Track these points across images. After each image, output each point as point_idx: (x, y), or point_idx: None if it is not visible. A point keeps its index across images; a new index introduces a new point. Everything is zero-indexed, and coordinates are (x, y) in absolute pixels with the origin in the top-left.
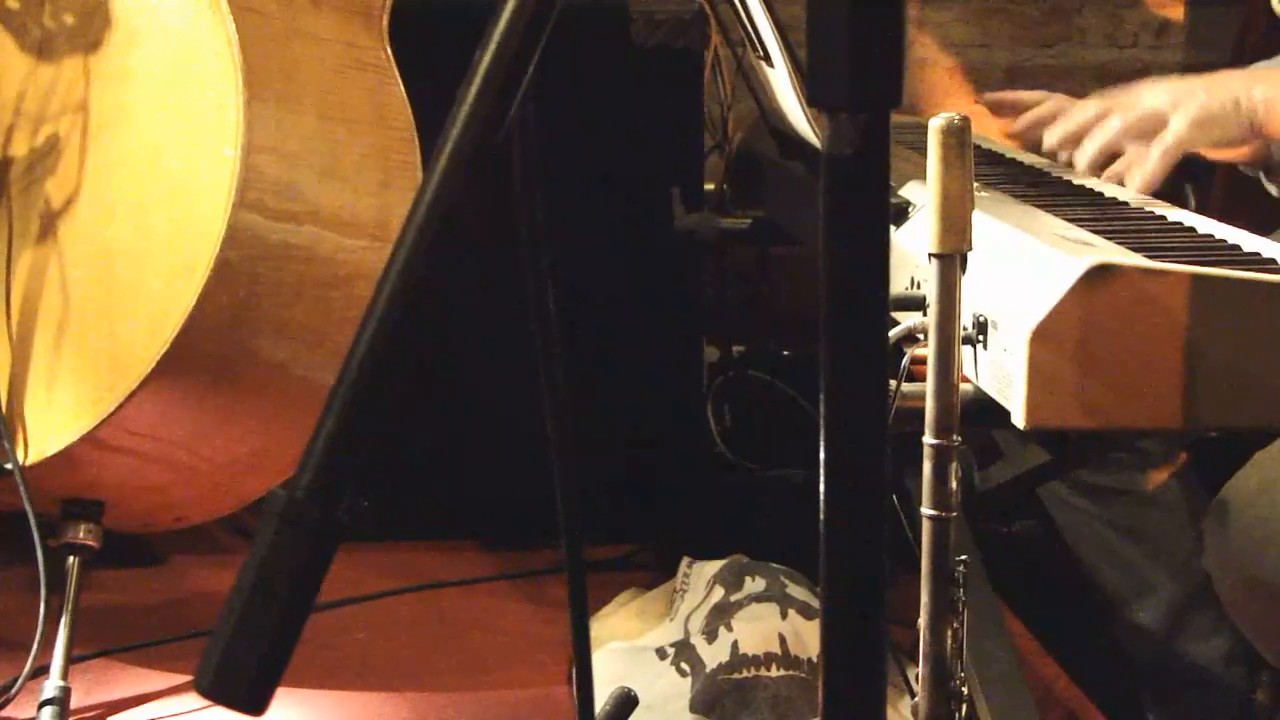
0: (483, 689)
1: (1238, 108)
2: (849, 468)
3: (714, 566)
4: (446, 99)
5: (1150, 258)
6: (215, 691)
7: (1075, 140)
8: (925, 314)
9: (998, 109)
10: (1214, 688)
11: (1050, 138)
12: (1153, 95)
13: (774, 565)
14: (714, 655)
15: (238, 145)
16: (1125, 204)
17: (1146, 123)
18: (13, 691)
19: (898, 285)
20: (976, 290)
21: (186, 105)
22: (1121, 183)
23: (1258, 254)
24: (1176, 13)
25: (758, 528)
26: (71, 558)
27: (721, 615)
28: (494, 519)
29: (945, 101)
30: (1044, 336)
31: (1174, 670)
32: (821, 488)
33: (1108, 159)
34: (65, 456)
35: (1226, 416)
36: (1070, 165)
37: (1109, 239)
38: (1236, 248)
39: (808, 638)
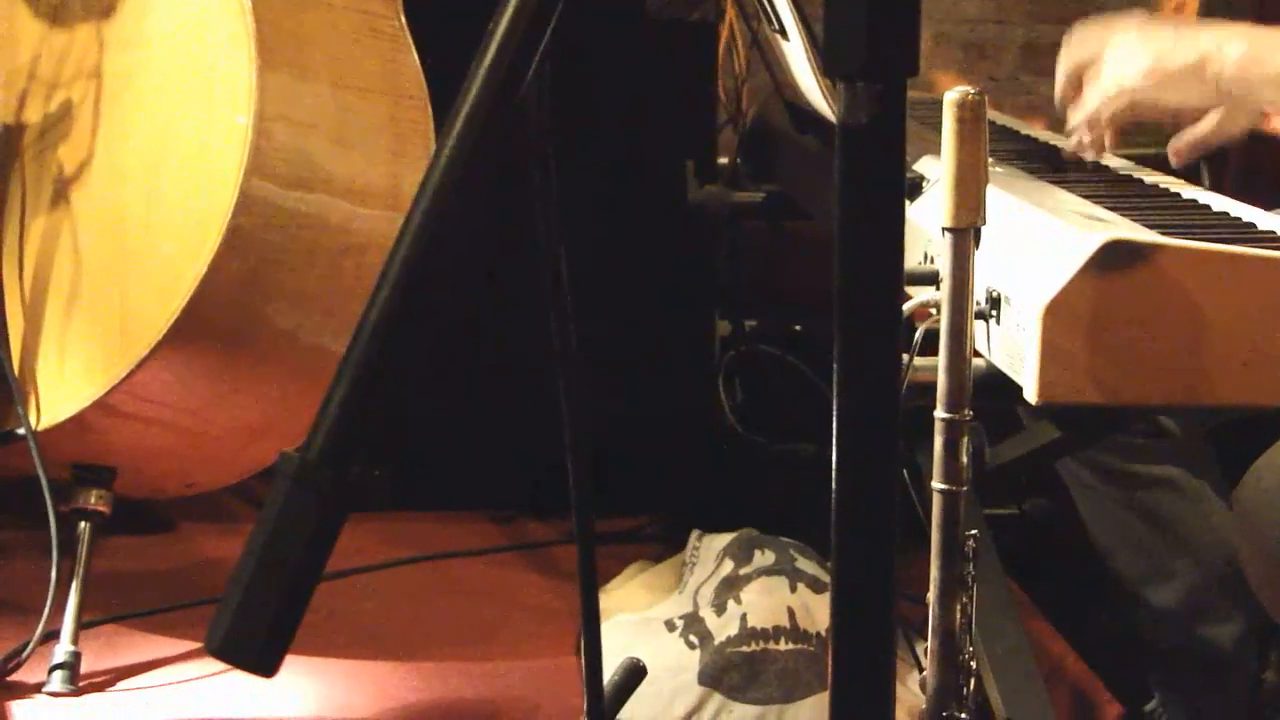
0: (492, 659)
1: (1202, 69)
2: (860, 442)
3: (724, 540)
4: (460, 67)
5: (1164, 234)
6: (226, 652)
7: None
8: (938, 289)
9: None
10: (1226, 670)
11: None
12: (1114, 53)
13: (784, 539)
14: (723, 628)
15: (250, 113)
16: (1139, 180)
17: (1094, 64)
18: (23, 656)
19: (911, 260)
20: (990, 265)
21: (199, 72)
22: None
23: (1272, 232)
24: None
25: (768, 501)
26: (83, 523)
27: (731, 588)
28: (505, 490)
29: (960, 78)
30: (1057, 312)
31: (1186, 653)
32: (833, 462)
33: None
34: (77, 422)
35: (1239, 394)
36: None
37: (1123, 215)
38: (1251, 225)
39: (817, 612)
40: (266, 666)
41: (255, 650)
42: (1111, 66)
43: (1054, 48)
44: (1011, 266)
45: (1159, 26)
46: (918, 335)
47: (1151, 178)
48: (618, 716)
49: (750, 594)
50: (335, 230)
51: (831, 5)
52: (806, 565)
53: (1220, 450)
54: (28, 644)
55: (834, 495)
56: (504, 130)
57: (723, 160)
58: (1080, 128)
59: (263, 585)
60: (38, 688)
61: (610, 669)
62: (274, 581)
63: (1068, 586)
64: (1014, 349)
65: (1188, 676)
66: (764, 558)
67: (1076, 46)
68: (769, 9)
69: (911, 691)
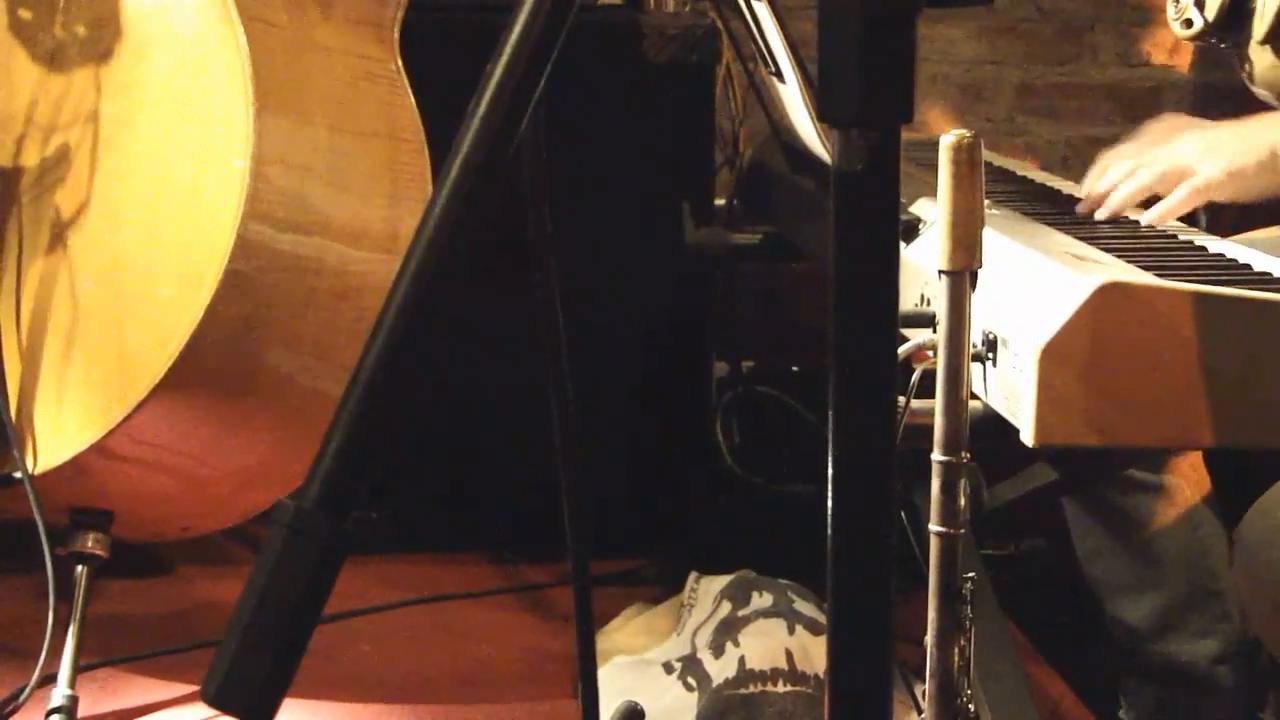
0: (489, 702)
1: (1275, 160)
2: (857, 484)
3: (721, 581)
4: (458, 110)
5: (1160, 276)
6: (221, 701)
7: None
8: (935, 331)
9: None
10: (1201, 688)
11: (1085, 201)
12: (1183, 148)
13: (781, 581)
14: (721, 670)
15: (247, 156)
16: (1135, 223)
17: (1173, 177)
18: (20, 700)
19: (907, 302)
20: (986, 307)
21: (196, 116)
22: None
23: (1268, 274)
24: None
25: (765, 543)
26: (80, 567)
27: (729, 630)
28: (501, 532)
29: (955, 119)
30: (1053, 354)
31: (1158, 666)
32: (829, 503)
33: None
34: (74, 466)
35: (1235, 435)
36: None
37: (1119, 257)
38: (1247, 267)
39: (814, 653)
40: (261, 715)
41: (250, 699)
42: (1189, 178)
43: (1049, 89)
44: (1008, 309)
45: (1214, 132)
46: (915, 377)
47: (1148, 219)
48: None
49: (748, 636)
50: (332, 273)
51: (826, 52)
52: (804, 607)
53: (1215, 461)
54: (25, 688)
55: (830, 537)
56: (501, 173)
57: (720, 201)
58: (1160, 215)
59: (258, 634)
60: None
61: (608, 712)
62: (269, 630)
63: (1065, 625)
64: (1011, 391)
65: (1158, 690)
66: (762, 599)
67: (1138, 166)
68: (766, 52)
69: None
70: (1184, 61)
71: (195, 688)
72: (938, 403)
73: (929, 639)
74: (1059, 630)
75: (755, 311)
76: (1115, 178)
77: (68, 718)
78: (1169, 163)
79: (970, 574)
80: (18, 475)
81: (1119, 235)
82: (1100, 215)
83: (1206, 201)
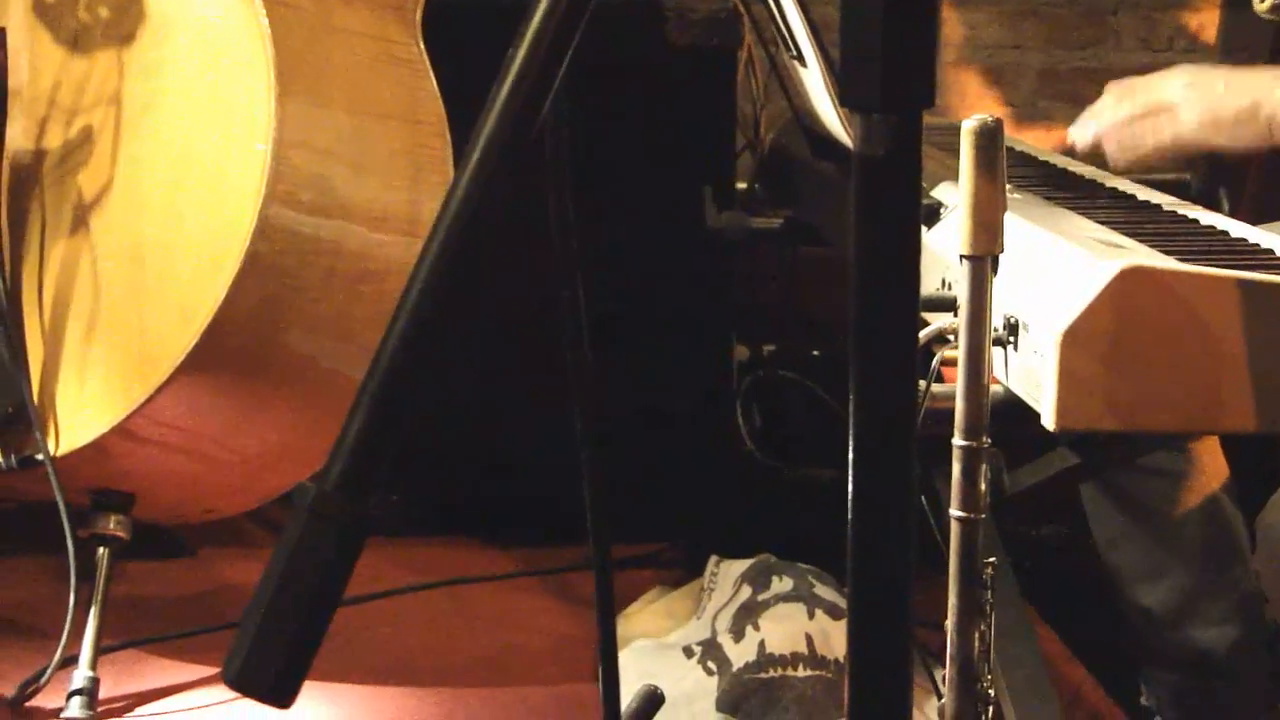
0: (509, 685)
1: (1256, 112)
2: (877, 468)
3: (741, 565)
4: (479, 94)
5: (1183, 261)
6: (242, 683)
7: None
8: (956, 315)
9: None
10: (1221, 674)
11: (1072, 133)
12: (1168, 86)
13: (801, 565)
14: (741, 654)
15: (269, 140)
16: (1158, 207)
17: (1153, 114)
18: (42, 681)
19: (929, 287)
20: (1007, 292)
21: (218, 99)
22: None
23: None
24: (1211, 16)
25: (786, 527)
26: (101, 548)
27: (749, 614)
28: (522, 515)
29: (977, 104)
30: (1075, 339)
31: (1177, 653)
32: (849, 488)
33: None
34: (95, 447)
35: (1256, 421)
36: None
37: (1141, 242)
38: (1270, 252)
39: (835, 638)
40: (283, 698)
41: (271, 681)
42: (1169, 117)
43: (1071, 74)
44: (1029, 293)
45: (1208, 75)
46: (935, 362)
47: (1170, 204)
48: None
49: (768, 620)
50: (353, 256)
51: (847, 36)
52: (824, 591)
53: (1233, 448)
54: (46, 669)
55: (851, 522)
56: (523, 157)
57: (741, 186)
58: (1126, 165)
59: (279, 616)
60: (56, 713)
61: (628, 696)
62: (290, 612)
63: (1086, 611)
64: (1032, 376)
65: (1179, 677)
66: (782, 584)
67: (1124, 96)
68: (788, 36)
69: (929, 719)
70: (1208, 45)
71: (216, 670)
72: (958, 387)
73: (949, 624)
74: (1080, 615)
75: (776, 296)
76: (1101, 108)
77: (89, 699)
78: (1152, 99)
79: (990, 559)
80: (40, 457)
81: (1141, 219)
82: (1079, 146)
83: (1180, 149)
